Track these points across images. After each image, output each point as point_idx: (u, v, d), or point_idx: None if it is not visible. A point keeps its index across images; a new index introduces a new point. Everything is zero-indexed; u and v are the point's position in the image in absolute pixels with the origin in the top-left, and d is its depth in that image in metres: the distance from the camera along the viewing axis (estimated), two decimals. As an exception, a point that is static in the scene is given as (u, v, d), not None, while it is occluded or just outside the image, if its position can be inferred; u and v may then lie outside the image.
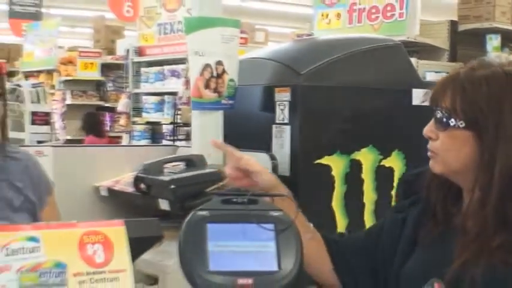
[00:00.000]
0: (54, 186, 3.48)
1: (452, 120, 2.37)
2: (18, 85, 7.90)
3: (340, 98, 4.05)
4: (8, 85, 8.44)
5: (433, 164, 2.50)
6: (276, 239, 2.39)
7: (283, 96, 4.07)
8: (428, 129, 2.46)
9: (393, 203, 3.41)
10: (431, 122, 2.46)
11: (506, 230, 2.36)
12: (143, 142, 11.35)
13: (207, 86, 4.13)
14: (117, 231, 2.38)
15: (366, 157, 4.09)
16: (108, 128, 13.78)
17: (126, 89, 12.72)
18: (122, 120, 13.05)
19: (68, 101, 14.37)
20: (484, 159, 2.37)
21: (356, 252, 2.77)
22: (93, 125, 13.12)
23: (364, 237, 2.87)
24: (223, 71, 4.15)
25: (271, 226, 2.40)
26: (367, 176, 4.11)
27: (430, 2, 13.69)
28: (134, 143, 11.42)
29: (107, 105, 14.31)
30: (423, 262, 2.58)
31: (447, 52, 8.97)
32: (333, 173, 4.03)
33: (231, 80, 4.18)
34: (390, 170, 3.99)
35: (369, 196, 4.08)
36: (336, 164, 4.03)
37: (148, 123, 11.83)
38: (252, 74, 4.31)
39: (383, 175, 4.04)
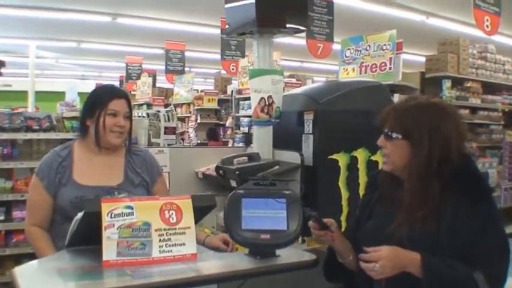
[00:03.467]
0: (163, 171, 3.38)
1: (394, 134, 2.27)
2: (158, 111, 7.79)
3: (344, 118, 3.82)
4: (154, 111, 8.38)
5: (385, 165, 2.37)
6: (286, 209, 2.21)
7: (309, 117, 3.84)
8: (380, 141, 2.34)
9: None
10: (382, 136, 2.34)
11: (427, 205, 2.19)
12: (240, 144, 11.17)
13: (262, 111, 3.91)
14: (185, 203, 2.19)
15: (361, 154, 3.85)
16: (222, 136, 13.67)
17: (231, 114, 12.69)
18: (229, 132, 13.02)
19: (199, 121, 14.39)
20: (414, 158, 2.24)
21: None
22: (213, 134, 13.05)
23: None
24: (272, 102, 3.93)
25: (283, 200, 2.23)
26: (361, 166, 3.87)
27: (408, 62, 13.37)
28: (235, 145, 11.25)
29: (221, 123, 14.22)
30: (373, 225, 2.41)
31: (418, 90, 8.67)
32: (339, 164, 3.80)
33: (277, 107, 3.97)
34: (376, 163, 3.74)
35: (363, 179, 3.81)
36: (341, 159, 3.80)
37: (243, 133, 11.76)
38: (292, 103, 4.09)
39: (371, 166, 3.79)
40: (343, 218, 3.76)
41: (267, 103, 3.92)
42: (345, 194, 3.83)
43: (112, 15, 13.98)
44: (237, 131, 12.42)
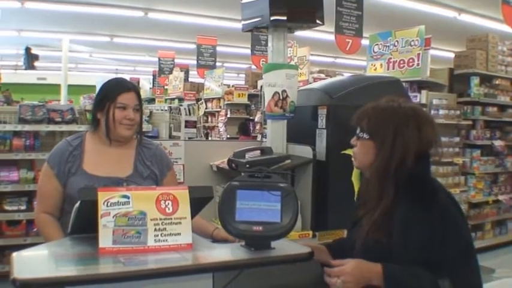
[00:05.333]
0: (173, 164, 3.37)
1: (362, 134, 2.32)
2: (181, 104, 7.86)
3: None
4: (177, 104, 8.43)
5: (354, 162, 2.46)
6: (281, 202, 2.20)
7: (322, 112, 3.87)
8: (352, 140, 2.42)
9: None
10: (355, 135, 2.40)
11: (380, 205, 2.24)
12: (268, 140, 11.17)
13: (275, 105, 3.93)
14: (182, 193, 2.19)
15: (374, 150, 3.83)
16: (251, 131, 13.68)
17: (260, 108, 12.68)
18: (258, 126, 13.01)
19: (229, 115, 14.41)
20: (376, 159, 2.29)
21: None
22: (244, 129, 13.08)
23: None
24: (287, 96, 3.94)
25: (278, 193, 2.21)
26: (375, 161, 3.84)
27: (438, 58, 13.27)
28: (264, 139, 11.23)
29: (251, 118, 14.21)
30: (350, 237, 2.51)
31: (446, 87, 8.62)
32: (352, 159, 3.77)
33: (292, 102, 3.98)
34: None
35: (376, 174, 3.80)
36: (354, 154, 3.77)
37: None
38: (307, 98, 4.10)
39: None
40: (355, 213, 3.76)
41: (281, 97, 3.93)
42: (357, 190, 3.82)
43: (144, 10, 14.11)
44: (266, 126, 12.35)
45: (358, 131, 2.39)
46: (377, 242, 2.17)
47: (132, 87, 3.12)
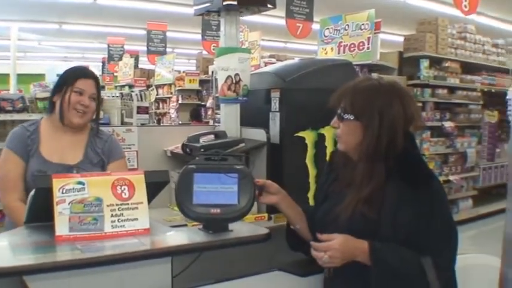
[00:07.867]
0: (124, 157, 3.46)
1: (346, 115, 2.26)
2: (132, 91, 7.80)
3: (309, 95, 3.81)
4: (128, 91, 8.36)
5: (339, 145, 2.38)
6: (238, 184, 2.20)
7: (275, 95, 3.85)
8: (333, 122, 2.35)
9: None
10: (335, 117, 2.34)
11: (371, 184, 2.21)
12: (221, 125, 11.13)
13: (229, 89, 3.92)
14: (138, 178, 2.19)
15: (328, 131, 3.82)
16: (203, 117, 13.62)
17: (211, 94, 12.64)
18: (209, 112, 12.98)
19: (180, 101, 14.39)
20: (364, 139, 2.25)
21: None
22: (196, 115, 13.02)
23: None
24: (239, 80, 3.93)
25: (235, 175, 2.22)
26: (329, 143, 3.85)
27: (388, 42, 13.38)
28: (216, 125, 11.19)
29: (202, 103, 14.15)
30: (325, 207, 2.44)
31: (396, 70, 8.73)
32: (307, 141, 3.80)
33: (245, 85, 3.97)
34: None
35: (330, 156, 3.83)
36: (308, 136, 3.80)
37: (224, 114, 11.66)
38: (259, 81, 4.09)
39: (339, 143, 3.78)
40: (310, 195, 3.77)
41: (234, 81, 3.92)
42: (312, 172, 3.84)
43: (93, -4, 13.88)
44: (218, 111, 12.33)
45: (340, 112, 2.31)
46: (364, 216, 2.19)
47: (91, 75, 3.21)
